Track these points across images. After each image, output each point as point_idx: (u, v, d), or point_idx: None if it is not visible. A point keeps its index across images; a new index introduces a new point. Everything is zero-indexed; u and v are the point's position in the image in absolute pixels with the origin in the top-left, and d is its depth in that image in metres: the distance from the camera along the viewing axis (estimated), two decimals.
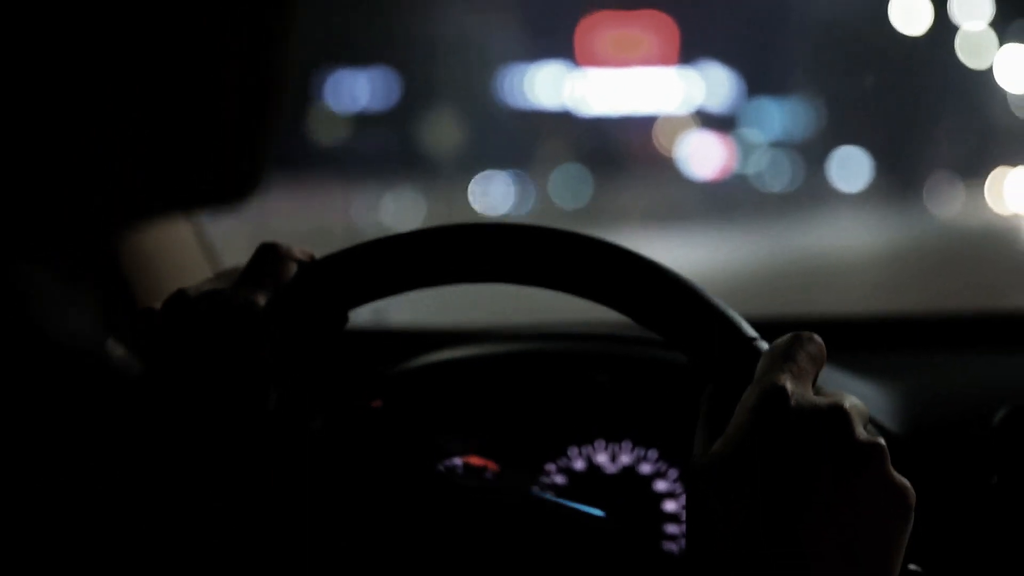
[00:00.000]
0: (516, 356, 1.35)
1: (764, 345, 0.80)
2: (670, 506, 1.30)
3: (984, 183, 15.09)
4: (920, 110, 16.58)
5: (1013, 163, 15.14)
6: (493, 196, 14.59)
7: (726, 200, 16.34)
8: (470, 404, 1.33)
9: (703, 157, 17.11)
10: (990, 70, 15.66)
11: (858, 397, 0.75)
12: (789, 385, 0.73)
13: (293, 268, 0.86)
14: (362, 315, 1.45)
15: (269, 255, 0.86)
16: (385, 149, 14.98)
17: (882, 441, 0.72)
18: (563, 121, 17.31)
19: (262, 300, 0.84)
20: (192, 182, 0.49)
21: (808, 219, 13.84)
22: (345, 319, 0.90)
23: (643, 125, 17.39)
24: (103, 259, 0.42)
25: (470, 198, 14.30)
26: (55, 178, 0.46)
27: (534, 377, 1.34)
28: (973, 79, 16.02)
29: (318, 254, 0.88)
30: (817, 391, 0.76)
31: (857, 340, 1.47)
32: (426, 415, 1.32)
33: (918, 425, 1.26)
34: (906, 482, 0.73)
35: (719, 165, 17.27)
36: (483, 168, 15.65)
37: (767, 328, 0.82)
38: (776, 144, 17.43)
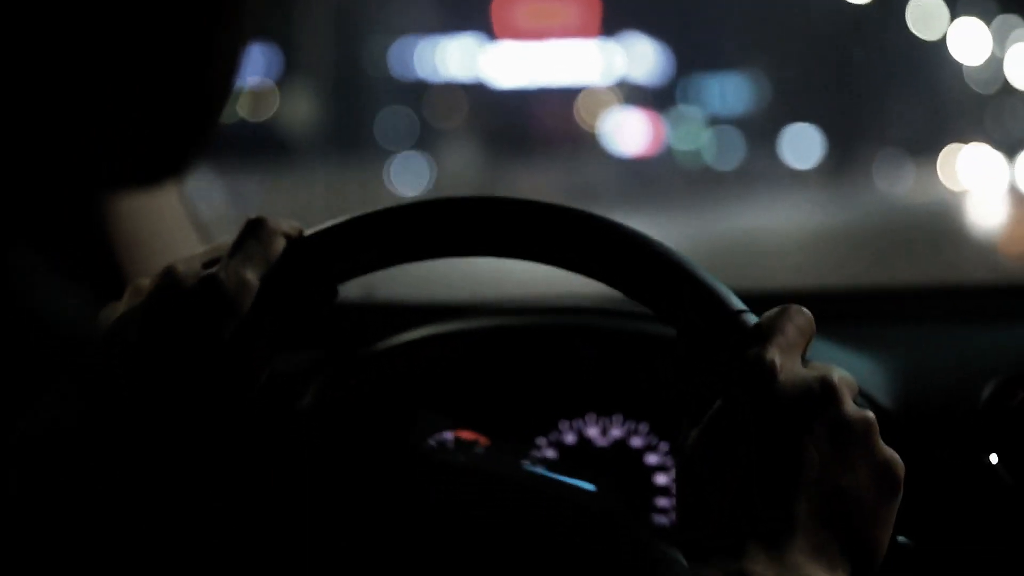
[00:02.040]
0: (507, 330, 1.40)
1: (752, 318, 0.84)
2: (661, 479, 1.35)
3: (937, 158, 15.22)
4: (870, 83, 16.57)
5: (966, 139, 15.26)
6: (402, 176, 14.33)
7: (658, 178, 16.19)
8: (460, 378, 1.37)
9: (629, 133, 16.87)
10: (942, 41, 15.73)
11: (847, 370, 0.79)
12: (778, 358, 0.78)
13: (282, 243, 0.89)
14: (351, 290, 1.49)
15: (257, 230, 0.89)
16: (261, 132, 14.15)
17: (871, 414, 0.77)
18: (477, 94, 16.97)
19: (252, 276, 0.86)
20: (115, 158, 0.50)
21: (747, 198, 13.80)
22: (335, 293, 0.93)
23: (564, 99, 17.05)
24: (88, 235, 0.43)
25: (384, 178, 14.02)
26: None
27: (525, 351, 1.39)
28: (925, 50, 16.07)
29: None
30: (806, 364, 0.80)
31: (845, 312, 1.52)
32: (416, 390, 1.36)
33: (908, 398, 1.31)
34: (895, 455, 0.78)
35: (647, 141, 17.05)
36: (388, 148, 15.33)
37: (753, 301, 0.85)
38: (717, 120, 17.27)
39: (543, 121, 17.21)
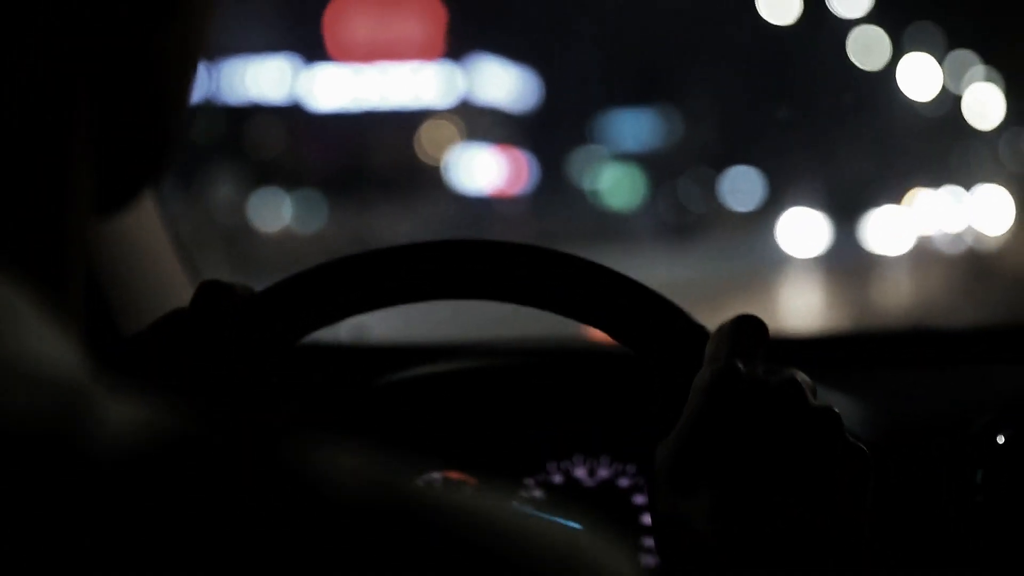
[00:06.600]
0: (495, 371, 1.55)
1: (707, 330, 0.95)
2: (649, 519, 1.46)
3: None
4: (808, 114, 16.49)
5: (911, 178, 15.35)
6: None
7: (530, 221, 15.70)
8: (449, 419, 1.52)
9: (484, 168, 16.44)
10: (887, 71, 15.79)
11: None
12: (739, 364, 0.88)
13: (236, 304, 0.98)
14: (342, 330, 1.62)
15: (211, 294, 0.98)
16: None
17: (833, 407, 0.88)
18: (295, 119, 16.47)
19: (211, 340, 0.96)
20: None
21: (634, 244, 13.61)
22: (297, 340, 1.02)
23: (404, 129, 16.56)
24: (76, 276, 0.47)
25: None
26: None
27: (513, 392, 1.54)
28: (867, 80, 16.05)
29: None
30: (764, 369, 0.90)
31: (824, 356, 1.65)
32: (405, 430, 1.48)
33: (893, 441, 1.43)
34: (861, 445, 0.87)
35: (507, 178, 16.65)
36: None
37: None
38: (622, 157, 16.91)
39: (377, 154, 16.65)
